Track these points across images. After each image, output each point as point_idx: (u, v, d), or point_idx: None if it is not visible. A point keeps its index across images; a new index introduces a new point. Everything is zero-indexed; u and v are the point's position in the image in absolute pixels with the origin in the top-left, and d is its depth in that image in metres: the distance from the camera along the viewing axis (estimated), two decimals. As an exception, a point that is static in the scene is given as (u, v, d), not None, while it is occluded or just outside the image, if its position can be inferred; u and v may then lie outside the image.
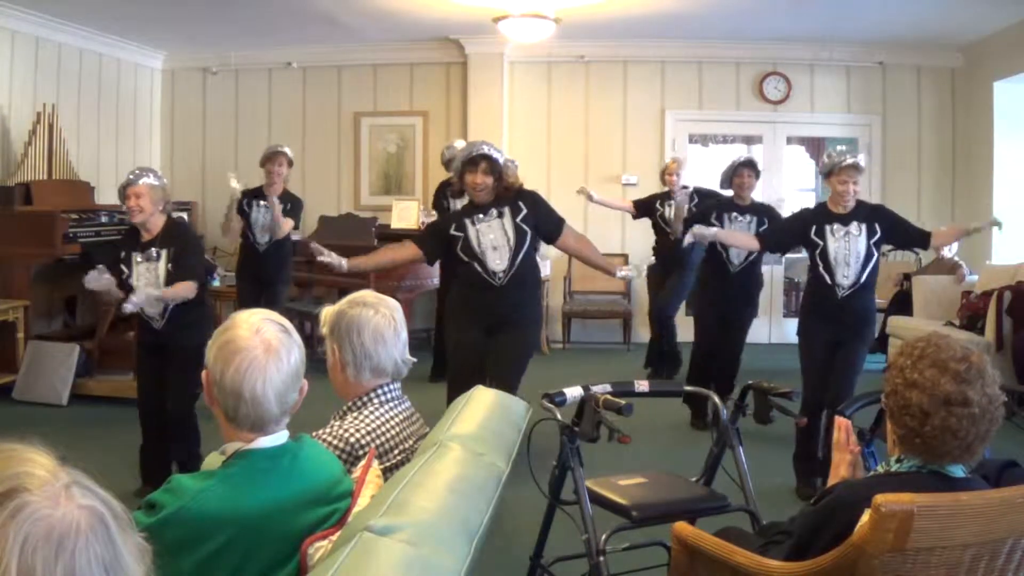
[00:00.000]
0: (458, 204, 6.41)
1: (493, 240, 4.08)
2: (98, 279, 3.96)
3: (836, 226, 4.20)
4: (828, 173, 4.24)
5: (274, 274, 5.90)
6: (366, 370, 2.17)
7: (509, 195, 4.14)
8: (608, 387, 2.60)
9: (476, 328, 4.13)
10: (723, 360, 5.36)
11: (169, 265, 3.94)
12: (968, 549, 1.61)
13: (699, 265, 5.77)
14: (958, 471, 1.71)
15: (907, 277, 7.14)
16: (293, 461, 1.68)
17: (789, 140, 8.30)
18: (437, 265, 7.11)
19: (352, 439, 2.07)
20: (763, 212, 5.29)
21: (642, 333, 8.08)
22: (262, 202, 5.80)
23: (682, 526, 2.06)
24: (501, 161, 4.12)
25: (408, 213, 7.58)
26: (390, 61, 8.27)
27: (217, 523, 1.54)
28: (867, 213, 4.27)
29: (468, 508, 1.59)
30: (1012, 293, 5.65)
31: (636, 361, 7.10)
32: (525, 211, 4.11)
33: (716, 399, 2.76)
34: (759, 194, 5.95)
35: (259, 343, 1.65)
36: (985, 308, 5.84)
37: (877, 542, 1.55)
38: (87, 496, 0.88)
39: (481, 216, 4.11)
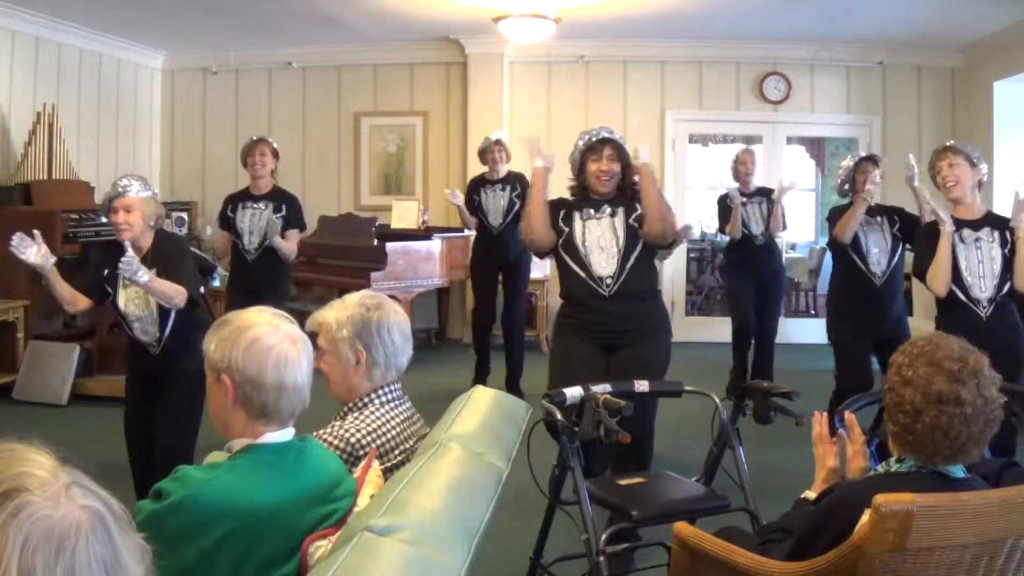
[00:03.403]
0: (490, 198, 6.19)
1: (600, 239, 3.52)
2: (22, 246, 3.34)
3: (965, 231, 3.62)
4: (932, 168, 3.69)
5: (266, 286, 4.89)
6: (392, 369, 2.21)
7: (627, 192, 3.62)
8: (608, 387, 2.60)
9: (590, 343, 3.49)
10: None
11: None
12: (968, 549, 1.61)
13: (831, 285, 4.83)
14: (958, 471, 1.70)
15: (907, 277, 7.11)
16: (298, 457, 1.71)
17: (789, 140, 8.30)
18: (437, 265, 7.12)
19: (353, 439, 2.07)
20: (892, 211, 4.56)
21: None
22: (249, 204, 5.03)
23: (682, 526, 2.05)
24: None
25: (408, 213, 7.59)
26: (390, 61, 8.27)
27: (221, 513, 1.56)
28: (995, 220, 3.70)
29: (468, 508, 1.59)
30: (1012, 293, 5.64)
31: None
32: (640, 211, 3.55)
33: (716, 399, 2.76)
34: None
35: (284, 336, 1.74)
36: (985, 308, 5.83)
37: (877, 542, 1.55)
38: (87, 496, 0.88)
39: (592, 211, 3.56)
